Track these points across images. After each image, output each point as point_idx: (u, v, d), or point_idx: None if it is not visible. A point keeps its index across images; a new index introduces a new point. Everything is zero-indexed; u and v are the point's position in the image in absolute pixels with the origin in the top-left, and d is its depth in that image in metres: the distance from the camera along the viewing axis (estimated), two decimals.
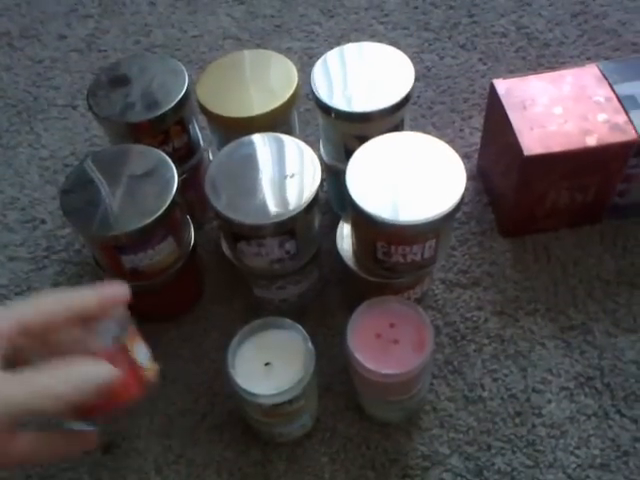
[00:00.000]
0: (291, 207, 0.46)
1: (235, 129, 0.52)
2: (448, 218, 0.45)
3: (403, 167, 0.47)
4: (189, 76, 0.55)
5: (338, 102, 0.51)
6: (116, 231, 0.45)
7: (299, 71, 0.56)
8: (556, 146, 0.53)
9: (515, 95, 0.57)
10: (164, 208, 0.46)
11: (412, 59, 0.55)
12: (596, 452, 0.48)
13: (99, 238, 0.47)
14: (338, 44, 0.57)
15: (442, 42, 0.80)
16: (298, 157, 0.49)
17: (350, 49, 0.56)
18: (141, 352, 0.36)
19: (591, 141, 0.53)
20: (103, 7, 0.88)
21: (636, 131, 0.54)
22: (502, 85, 0.58)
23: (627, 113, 0.55)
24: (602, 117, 0.55)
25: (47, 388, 0.32)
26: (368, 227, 0.46)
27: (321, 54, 0.57)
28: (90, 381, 0.33)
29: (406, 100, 0.52)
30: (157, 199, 0.47)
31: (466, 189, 0.46)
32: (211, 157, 0.60)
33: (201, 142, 0.59)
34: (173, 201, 0.47)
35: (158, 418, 0.52)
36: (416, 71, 0.75)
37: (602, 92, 0.57)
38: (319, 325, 0.55)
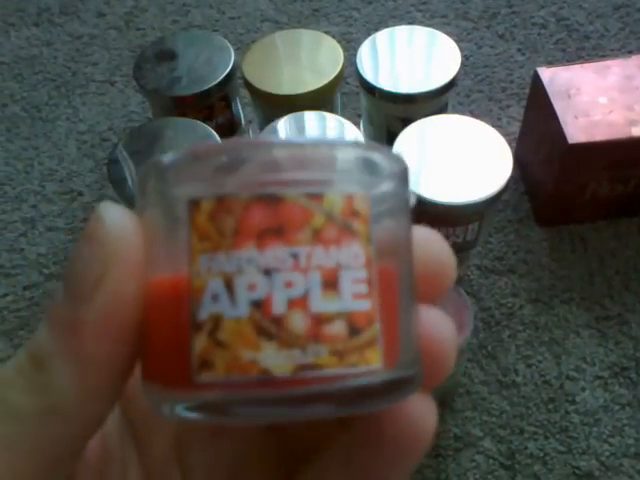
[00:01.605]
0: None
1: (280, 107, 0.52)
2: (493, 201, 0.45)
3: (448, 149, 0.47)
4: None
5: (383, 82, 0.52)
6: None
7: None
8: (600, 135, 0.53)
9: (559, 84, 0.57)
10: None
11: None
12: (630, 441, 0.48)
13: None
14: (376, 30, 0.57)
15: (480, 32, 0.80)
16: (342, 134, 0.49)
17: (394, 32, 0.56)
18: None
19: (636, 131, 0.53)
20: None
21: None
22: (546, 73, 0.58)
23: None
24: None
25: None
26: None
27: (359, 39, 0.57)
28: None
29: (452, 83, 0.52)
30: None
31: (512, 173, 0.46)
32: (251, 135, 0.61)
33: (242, 120, 0.60)
34: None
35: None
36: None
37: None
38: None
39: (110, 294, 0.14)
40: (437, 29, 0.81)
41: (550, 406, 0.51)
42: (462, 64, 0.77)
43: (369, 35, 0.57)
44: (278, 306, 0.12)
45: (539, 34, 0.79)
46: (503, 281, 0.58)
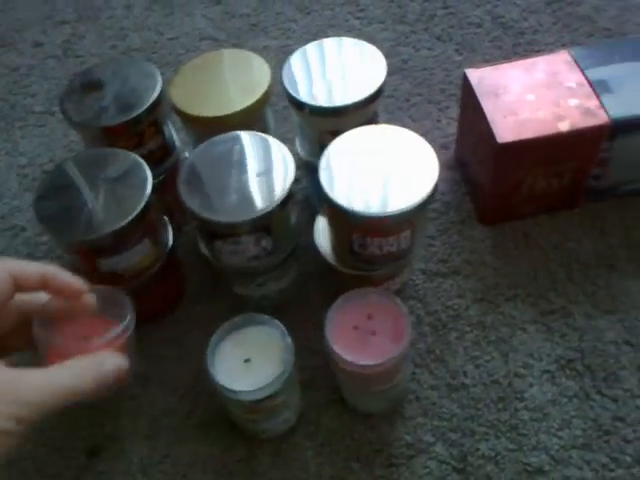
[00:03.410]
0: (265, 204, 0.46)
1: (209, 129, 0.52)
2: (422, 208, 0.45)
3: (376, 159, 0.48)
4: (165, 78, 0.55)
5: (310, 98, 0.52)
6: (89, 235, 0.45)
7: (276, 68, 0.56)
8: (529, 133, 0.54)
9: (488, 84, 0.58)
10: (138, 210, 0.46)
11: (388, 53, 0.55)
12: (578, 432, 0.49)
13: (73, 242, 0.47)
14: (315, 40, 0.57)
15: (418, 34, 0.81)
16: (271, 154, 0.49)
17: (320, 45, 0.56)
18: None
19: (564, 126, 0.54)
20: (78, 13, 0.88)
21: (608, 115, 0.54)
22: (475, 74, 0.59)
23: (599, 97, 0.55)
24: (574, 102, 0.55)
25: (68, 387, 0.34)
26: (343, 220, 0.46)
27: None
28: (106, 375, 0.35)
29: (379, 93, 0.52)
30: (131, 201, 0.47)
31: (439, 179, 0.46)
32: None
33: (177, 144, 0.59)
34: (147, 203, 0.47)
35: (142, 419, 0.52)
36: (392, 64, 0.76)
37: (574, 77, 0.57)
38: (301, 320, 0.55)
39: None
40: (375, 35, 0.82)
41: (500, 405, 0.51)
42: (400, 68, 0.78)
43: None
44: None
45: (475, 33, 0.80)
46: (448, 283, 0.58)
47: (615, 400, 0.50)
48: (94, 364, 0.35)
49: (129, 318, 0.40)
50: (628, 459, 0.47)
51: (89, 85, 0.55)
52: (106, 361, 0.36)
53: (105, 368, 0.36)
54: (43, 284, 0.38)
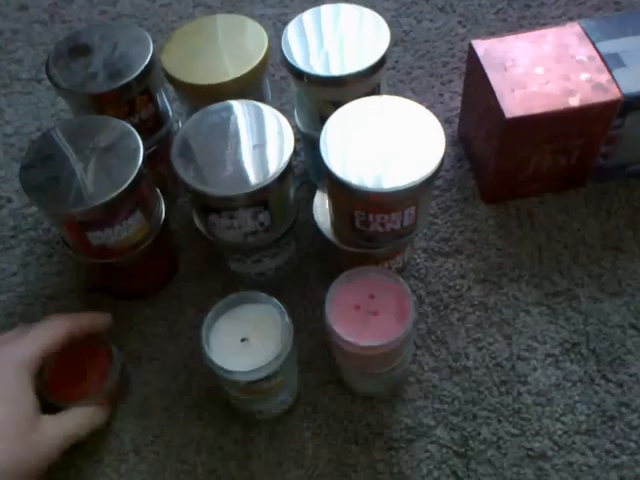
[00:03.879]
0: (263, 177, 0.44)
1: (203, 97, 0.49)
2: (427, 184, 0.43)
3: (379, 132, 0.45)
4: (157, 46, 0.52)
5: (310, 66, 0.49)
6: (79, 207, 0.43)
7: (274, 38, 0.53)
8: (538, 107, 0.52)
9: (495, 56, 0.55)
10: (129, 181, 0.44)
11: (389, 23, 0.52)
12: (582, 418, 0.48)
13: (61, 215, 0.44)
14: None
15: (420, 5, 0.78)
16: (270, 125, 0.47)
17: (322, 11, 0.53)
18: None
19: (574, 101, 0.52)
20: None
21: (620, 90, 0.52)
22: (481, 46, 0.56)
23: (610, 72, 0.53)
24: (585, 76, 0.53)
25: (74, 434, 0.44)
26: (345, 196, 0.44)
27: None
28: (96, 423, 0.46)
29: (382, 63, 0.50)
30: (122, 172, 0.44)
31: (446, 154, 0.44)
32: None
33: (170, 113, 0.57)
34: (139, 174, 0.45)
35: (134, 398, 0.50)
36: (394, 36, 0.73)
37: (584, 51, 0.55)
38: (299, 298, 0.54)
39: None
40: (376, 4, 0.79)
41: (502, 389, 0.50)
42: (402, 40, 0.75)
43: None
44: None
45: (480, 5, 0.77)
46: (450, 263, 0.56)
47: (620, 385, 0.49)
48: (89, 417, 0.45)
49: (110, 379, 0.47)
50: (632, 445, 0.46)
51: (77, 50, 0.52)
52: (97, 415, 0.46)
53: (96, 421, 0.46)
54: (88, 333, 0.47)
